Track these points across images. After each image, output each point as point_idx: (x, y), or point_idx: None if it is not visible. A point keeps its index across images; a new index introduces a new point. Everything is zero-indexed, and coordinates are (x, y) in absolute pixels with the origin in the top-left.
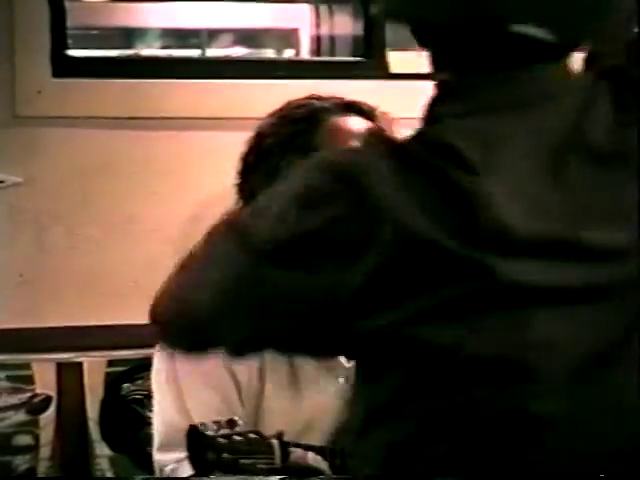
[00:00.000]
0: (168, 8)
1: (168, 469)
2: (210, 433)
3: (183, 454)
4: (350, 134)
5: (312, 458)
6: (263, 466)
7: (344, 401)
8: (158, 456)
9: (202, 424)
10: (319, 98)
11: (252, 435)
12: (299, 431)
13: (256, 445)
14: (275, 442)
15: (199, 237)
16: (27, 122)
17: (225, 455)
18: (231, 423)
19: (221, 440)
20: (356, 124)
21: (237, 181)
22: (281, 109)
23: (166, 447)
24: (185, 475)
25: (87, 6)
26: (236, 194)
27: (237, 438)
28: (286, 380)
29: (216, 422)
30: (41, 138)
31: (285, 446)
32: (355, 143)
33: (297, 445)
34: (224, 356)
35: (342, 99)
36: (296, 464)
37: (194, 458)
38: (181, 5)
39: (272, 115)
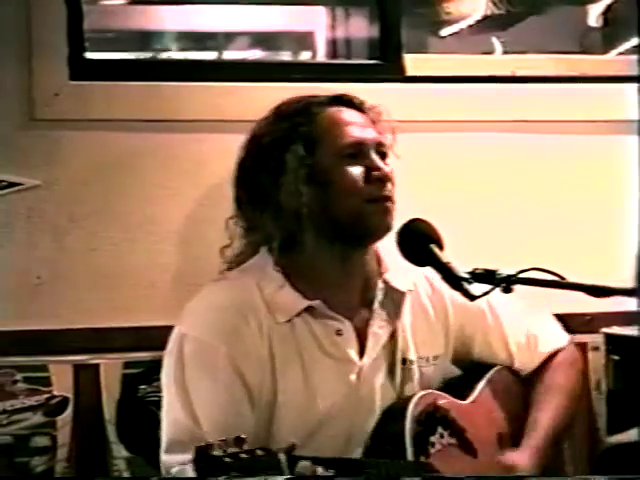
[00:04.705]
0: (185, 11)
1: (174, 470)
2: (217, 453)
3: (188, 455)
4: (347, 122)
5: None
6: None
7: (355, 398)
8: (165, 457)
9: (208, 445)
10: (310, 95)
11: (259, 452)
12: (312, 428)
13: (264, 462)
14: (282, 456)
15: (218, 239)
16: (45, 125)
17: (233, 474)
18: (238, 441)
19: (228, 460)
20: (350, 114)
21: (238, 186)
22: (274, 108)
23: (172, 448)
24: (191, 475)
25: (104, 9)
26: (236, 199)
27: (244, 456)
28: (299, 379)
29: (222, 441)
30: (59, 141)
31: (293, 459)
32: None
33: (305, 458)
34: (233, 359)
35: (332, 94)
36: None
37: (202, 478)
38: (198, 8)
39: (265, 117)
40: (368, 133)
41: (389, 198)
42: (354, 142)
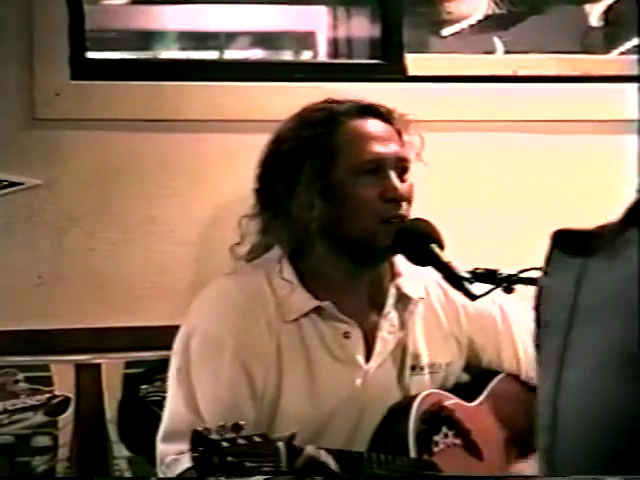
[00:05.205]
0: (186, 11)
1: (168, 459)
2: (214, 437)
3: (185, 446)
4: (369, 136)
5: (324, 455)
6: (269, 469)
7: (360, 402)
8: (161, 446)
9: (205, 428)
10: (336, 101)
11: (257, 438)
12: (315, 430)
13: (261, 448)
14: (281, 445)
15: (217, 239)
16: (46, 125)
17: (229, 459)
18: (236, 427)
19: (225, 444)
20: (374, 126)
21: (256, 186)
22: (299, 113)
23: (169, 438)
24: (184, 467)
25: (105, 9)
26: (254, 199)
27: (241, 442)
28: (304, 379)
29: (221, 426)
30: (60, 141)
31: (293, 448)
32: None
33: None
34: (240, 354)
35: (359, 101)
36: (308, 457)
37: (198, 461)
38: (199, 8)
39: (290, 119)
40: (389, 148)
41: (403, 218)
42: (373, 159)
